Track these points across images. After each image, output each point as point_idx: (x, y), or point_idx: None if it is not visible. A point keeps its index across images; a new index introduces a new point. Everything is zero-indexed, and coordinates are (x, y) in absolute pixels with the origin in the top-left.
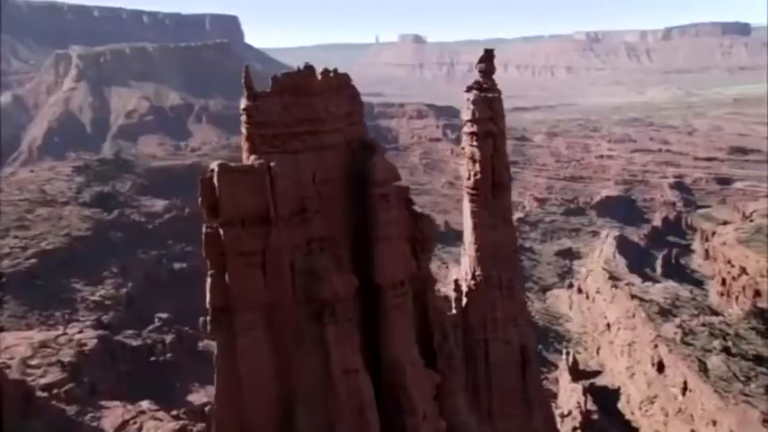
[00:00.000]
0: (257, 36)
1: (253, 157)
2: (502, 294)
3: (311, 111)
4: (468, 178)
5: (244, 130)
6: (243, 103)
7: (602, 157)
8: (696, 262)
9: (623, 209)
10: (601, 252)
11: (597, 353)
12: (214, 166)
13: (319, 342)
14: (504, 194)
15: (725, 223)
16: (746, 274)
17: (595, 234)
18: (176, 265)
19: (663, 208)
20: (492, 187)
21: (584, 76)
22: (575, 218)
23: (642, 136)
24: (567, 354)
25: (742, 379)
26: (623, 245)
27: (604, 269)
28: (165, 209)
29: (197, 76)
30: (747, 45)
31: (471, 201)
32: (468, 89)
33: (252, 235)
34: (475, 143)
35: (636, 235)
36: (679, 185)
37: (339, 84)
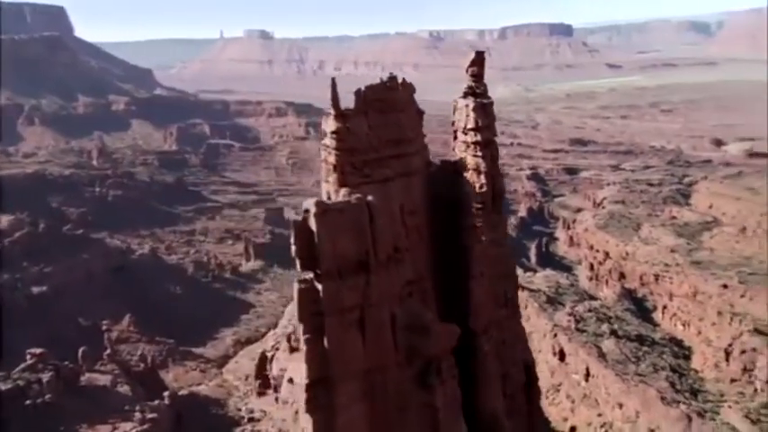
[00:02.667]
0: (89, 30)
1: (343, 190)
2: (507, 314)
3: (398, 130)
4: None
5: (331, 158)
6: (330, 124)
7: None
8: (562, 249)
9: None
10: None
11: None
12: (310, 206)
13: (425, 408)
14: (501, 206)
15: (579, 210)
16: (610, 258)
17: None
18: (35, 289)
19: (525, 199)
20: (492, 199)
21: (431, 73)
22: None
23: None
24: None
25: (633, 360)
26: None
27: None
28: (11, 225)
29: (24, 72)
30: (571, 45)
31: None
32: (465, 95)
33: (349, 287)
34: (479, 153)
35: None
36: (535, 176)
37: (411, 97)
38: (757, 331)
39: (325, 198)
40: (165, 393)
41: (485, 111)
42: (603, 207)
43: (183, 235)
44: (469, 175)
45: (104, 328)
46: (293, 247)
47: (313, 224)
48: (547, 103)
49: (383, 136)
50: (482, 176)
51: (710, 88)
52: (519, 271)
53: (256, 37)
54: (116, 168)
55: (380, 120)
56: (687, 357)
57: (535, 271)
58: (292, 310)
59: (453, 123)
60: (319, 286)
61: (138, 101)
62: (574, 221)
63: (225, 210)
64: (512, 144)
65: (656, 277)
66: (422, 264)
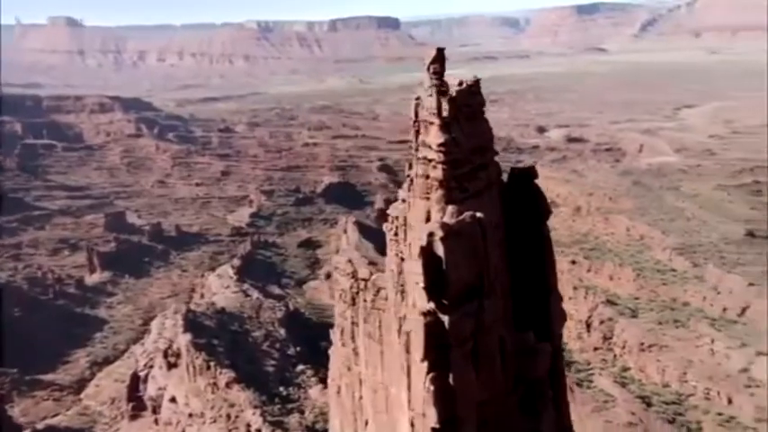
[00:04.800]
0: None
1: (450, 208)
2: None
3: (482, 138)
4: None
5: (437, 173)
6: (435, 135)
7: (307, 144)
8: None
9: (346, 194)
10: (348, 239)
11: None
12: (435, 229)
13: None
14: None
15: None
16: None
17: (327, 221)
18: None
19: (380, 190)
20: None
21: (262, 64)
22: (305, 207)
23: (336, 122)
24: None
25: None
26: (362, 229)
27: (364, 256)
28: None
29: None
30: (399, 38)
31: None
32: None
33: (466, 314)
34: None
35: (366, 218)
36: (385, 168)
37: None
38: (609, 302)
39: (419, 217)
40: None
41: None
42: None
43: (8, 249)
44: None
45: None
46: (420, 277)
47: (440, 249)
48: (384, 94)
49: (472, 144)
50: None
51: (529, 79)
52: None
53: (63, 24)
54: None
55: (469, 127)
56: None
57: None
58: (161, 323)
59: (416, 123)
60: (444, 318)
61: None
62: None
63: (55, 217)
64: (356, 136)
65: None
66: (504, 280)
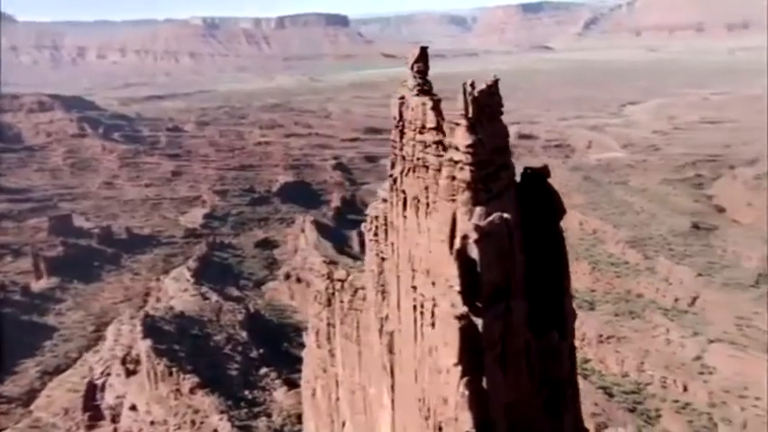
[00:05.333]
0: None
1: (478, 209)
2: None
3: (503, 137)
4: (437, 192)
5: (464, 174)
6: (463, 136)
7: (260, 143)
8: None
9: (302, 193)
10: (306, 239)
11: None
12: (468, 231)
13: None
14: None
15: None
16: None
17: (283, 221)
18: None
19: (336, 188)
20: None
21: (209, 62)
22: (260, 207)
23: (288, 121)
24: None
25: None
26: (320, 228)
27: (324, 256)
28: None
29: None
30: (348, 35)
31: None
32: (419, 93)
33: (494, 316)
34: (441, 152)
35: (323, 217)
36: (340, 166)
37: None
38: None
39: (442, 220)
40: None
41: (440, 109)
42: None
43: None
44: (432, 176)
45: None
46: (457, 281)
47: (474, 252)
48: (335, 92)
49: (493, 145)
50: None
51: (478, 77)
52: (350, 261)
53: None
54: None
55: (490, 128)
56: None
57: (357, 258)
58: (117, 329)
59: (401, 122)
60: (478, 321)
61: None
62: None
63: None
64: (309, 134)
65: None
66: (520, 282)
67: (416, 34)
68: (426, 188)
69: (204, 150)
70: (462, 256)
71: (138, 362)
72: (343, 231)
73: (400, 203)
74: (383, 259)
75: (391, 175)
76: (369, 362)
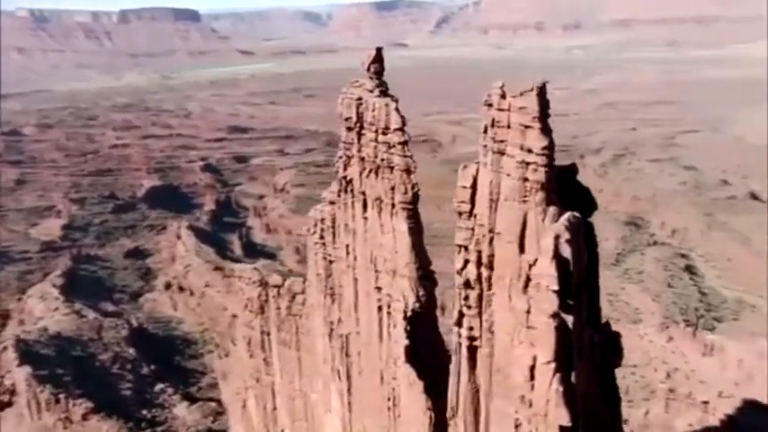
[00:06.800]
0: None
1: (552, 209)
2: None
3: (545, 138)
4: (405, 192)
5: (538, 176)
6: (539, 139)
7: (116, 146)
8: (260, 236)
9: (170, 197)
10: (185, 245)
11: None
12: (560, 231)
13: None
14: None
15: (262, 197)
16: None
17: (153, 228)
18: None
19: (208, 191)
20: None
21: (40, 58)
22: (125, 214)
23: (144, 121)
24: (220, 356)
25: None
26: (197, 233)
27: (208, 262)
28: None
29: None
30: (200, 31)
31: (409, 217)
32: (381, 94)
33: (578, 312)
34: (407, 153)
35: (198, 221)
36: (209, 167)
37: None
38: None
39: (511, 220)
40: None
41: (396, 111)
42: (287, 192)
43: None
44: (398, 176)
45: None
46: (553, 280)
47: (566, 251)
48: (192, 90)
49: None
50: (412, 177)
51: (340, 74)
52: (232, 266)
53: None
54: None
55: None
56: None
57: (240, 261)
58: None
59: (358, 123)
60: (568, 318)
61: None
62: (264, 208)
63: None
64: (170, 135)
65: None
66: None
67: (271, 30)
68: (392, 188)
69: (51, 155)
70: (559, 257)
71: (13, 392)
72: (221, 235)
73: (358, 205)
74: (331, 262)
75: (345, 177)
76: (310, 367)
